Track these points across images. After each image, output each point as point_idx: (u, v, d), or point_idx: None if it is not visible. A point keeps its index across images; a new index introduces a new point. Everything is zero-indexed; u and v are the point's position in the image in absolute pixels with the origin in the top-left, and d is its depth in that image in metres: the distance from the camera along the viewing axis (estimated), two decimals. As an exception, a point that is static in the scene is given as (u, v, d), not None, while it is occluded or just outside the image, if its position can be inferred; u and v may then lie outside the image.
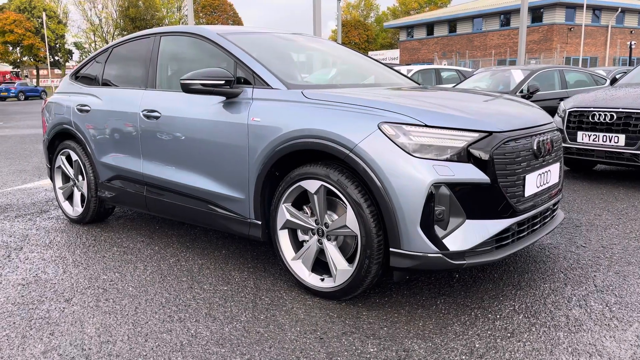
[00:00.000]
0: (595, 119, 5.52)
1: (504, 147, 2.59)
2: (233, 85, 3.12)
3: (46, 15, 55.16)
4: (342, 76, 3.75)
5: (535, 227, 2.95)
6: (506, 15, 42.75)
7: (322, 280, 2.84)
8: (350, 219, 2.64)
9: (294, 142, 2.80)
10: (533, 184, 2.78)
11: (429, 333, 2.46)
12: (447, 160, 2.49)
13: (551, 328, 2.48)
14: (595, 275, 3.11)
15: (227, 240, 3.91)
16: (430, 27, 49.75)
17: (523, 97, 7.84)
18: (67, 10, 62.77)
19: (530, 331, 2.46)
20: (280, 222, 2.95)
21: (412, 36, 51.78)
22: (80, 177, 4.41)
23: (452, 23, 47.58)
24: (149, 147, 3.70)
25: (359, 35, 69.31)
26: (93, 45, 61.55)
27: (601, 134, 5.48)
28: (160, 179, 3.64)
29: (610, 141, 5.41)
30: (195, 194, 3.40)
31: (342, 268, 2.73)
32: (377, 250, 2.59)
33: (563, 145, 5.24)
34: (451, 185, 2.47)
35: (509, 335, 2.43)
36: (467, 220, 2.53)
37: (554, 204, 3.14)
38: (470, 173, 2.50)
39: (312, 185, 2.77)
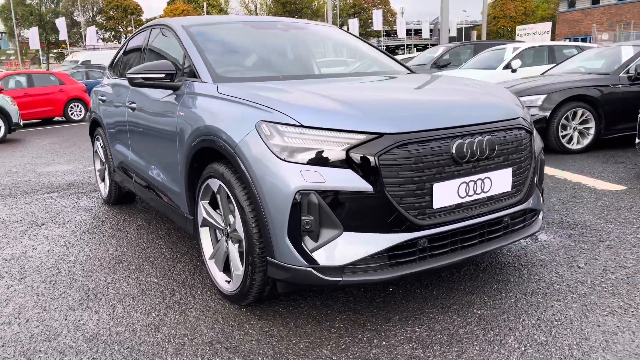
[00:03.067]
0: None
1: (398, 151, 2.23)
2: (175, 78, 3.11)
3: (209, 4, 60.07)
4: (296, 66, 3.51)
5: (471, 242, 2.51)
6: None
7: (228, 282, 2.74)
8: (238, 223, 2.50)
9: (200, 138, 2.72)
10: (450, 193, 2.35)
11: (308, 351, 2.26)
12: (321, 164, 2.22)
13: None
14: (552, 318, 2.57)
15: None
16: (597, -6, 44.14)
17: (630, 78, 6.64)
18: (227, -1, 67.74)
19: None
20: (199, 220, 2.90)
21: (574, 6, 46.51)
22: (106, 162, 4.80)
23: (624, -12, 41.63)
24: (132, 137, 3.89)
25: (515, 8, 64.34)
26: (249, 30, 65.60)
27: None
28: (139, 168, 3.81)
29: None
30: (157, 185, 3.49)
31: (237, 272, 2.61)
32: (259, 258, 2.41)
33: None
34: (322, 194, 2.20)
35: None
36: (344, 233, 2.23)
37: (508, 216, 2.63)
38: (347, 180, 2.20)
39: (214, 184, 2.67)
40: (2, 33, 76.08)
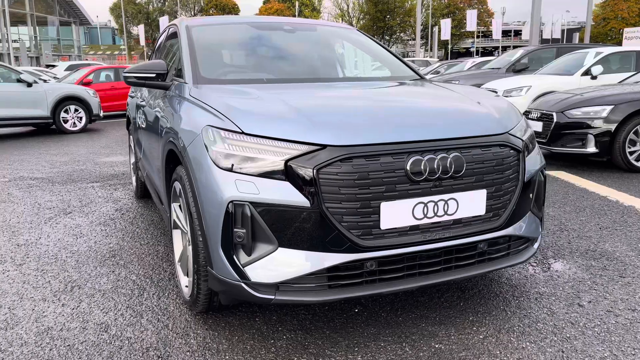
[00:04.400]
0: None
1: (341, 165, 2.05)
2: (166, 78, 3.13)
3: (302, 3, 61.08)
4: (286, 69, 3.36)
5: (433, 269, 2.28)
6: None
7: (187, 287, 2.70)
8: (188, 229, 2.45)
9: (168, 140, 2.70)
10: (402, 214, 2.13)
11: (226, 369, 2.16)
12: (257, 175, 2.10)
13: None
14: None
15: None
16: None
17: None
18: (321, -2, 68.51)
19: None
20: (172, 222, 2.89)
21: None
22: (135, 156, 4.98)
23: None
24: (140, 134, 3.99)
25: (628, 9, 59.51)
26: (340, 29, 65.94)
27: None
28: (144, 165, 3.89)
29: None
30: (154, 183, 3.53)
31: (190, 279, 2.56)
32: (203, 267, 2.34)
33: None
34: (256, 206, 2.08)
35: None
36: (279, 249, 2.10)
37: (484, 243, 2.35)
38: (283, 193, 2.06)
39: (177, 188, 2.64)
40: (115, 29, 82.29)
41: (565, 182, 5.45)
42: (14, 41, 43.83)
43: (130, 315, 2.62)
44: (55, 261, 3.40)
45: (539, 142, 6.49)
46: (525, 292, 2.81)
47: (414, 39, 40.01)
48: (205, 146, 2.22)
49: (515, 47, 61.57)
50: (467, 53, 62.86)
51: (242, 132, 2.16)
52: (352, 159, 2.07)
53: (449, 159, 2.18)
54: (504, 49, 60.55)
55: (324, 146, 2.08)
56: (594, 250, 3.41)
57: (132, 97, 4.77)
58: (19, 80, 10.37)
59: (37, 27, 46.52)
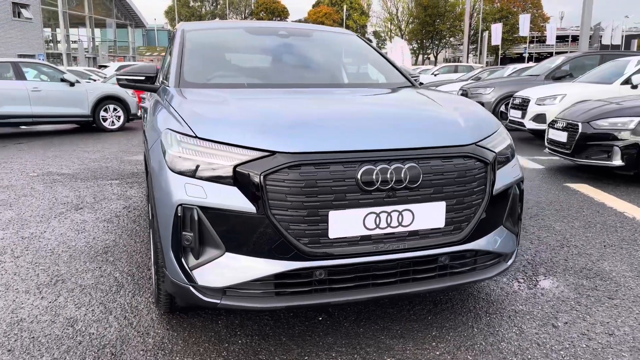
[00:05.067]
0: None
1: (288, 172, 2.04)
2: (155, 81, 3.20)
3: (351, 7, 61.13)
4: (269, 74, 3.35)
5: (387, 280, 2.23)
6: None
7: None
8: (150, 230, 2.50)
9: (143, 142, 2.77)
10: (352, 224, 2.10)
11: (174, 370, 2.18)
12: (206, 179, 2.11)
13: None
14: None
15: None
16: None
17: None
18: (370, 2, 68.33)
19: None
20: (150, 221, 2.95)
21: None
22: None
23: None
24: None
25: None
26: (389, 33, 65.63)
27: None
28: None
29: None
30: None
31: (153, 279, 2.60)
32: (161, 268, 2.37)
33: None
34: (204, 210, 2.09)
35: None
36: (226, 254, 2.10)
37: (446, 256, 2.28)
38: (230, 198, 2.07)
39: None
40: (170, 31, 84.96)
41: (584, 195, 5.22)
42: (73, 42, 45.88)
43: (100, 312, 2.69)
44: (51, 255, 3.54)
45: (562, 153, 6.25)
46: (501, 309, 2.71)
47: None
48: (163, 149, 2.25)
49: (571, 53, 59.36)
50: (520, 59, 61.11)
51: (196, 136, 2.18)
52: (301, 167, 2.05)
53: (404, 169, 2.12)
54: (560, 55, 58.55)
55: (272, 152, 2.07)
56: (589, 269, 3.24)
57: (143, 98, 4.91)
58: (63, 80, 10.85)
59: (95, 29, 48.55)
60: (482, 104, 11.69)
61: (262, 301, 2.13)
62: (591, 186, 5.64)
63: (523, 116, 9.23)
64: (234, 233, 2.08)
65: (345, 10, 59.25)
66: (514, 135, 10.10)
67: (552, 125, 6.66)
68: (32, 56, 32.75)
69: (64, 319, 2.61)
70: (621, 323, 2.55)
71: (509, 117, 9.80)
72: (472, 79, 16.58)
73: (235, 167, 2.08)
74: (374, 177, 2.09)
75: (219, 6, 71.06)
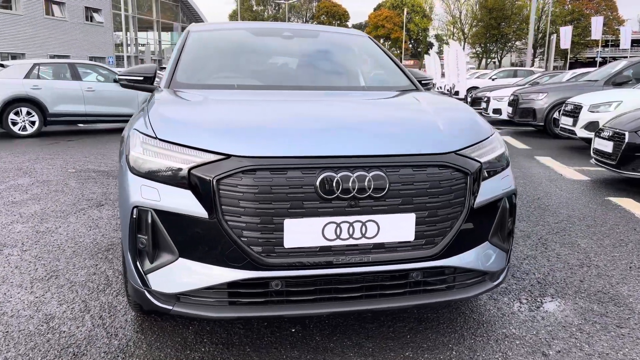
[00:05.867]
0: None
1: (242, 177, 1.95)
2: (153, 81, 3.21)
3: (412, 10, 60.37)
4: (263, 76, 3.24)
5: (351, 294, 2.10)
6: None
7: (133, 288, 2.72)
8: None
9: (127, 142, 2.76)
10: (310, 233, 1.97)
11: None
12: (162, 181, 2.05)
13: None
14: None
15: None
16: None
17: None
18: (432, 5, 67.20)
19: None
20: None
21: None
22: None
23: None
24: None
25: None
26: (451, 37, 64.26)
27: None
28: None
29: None
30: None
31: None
32: (127, 270, 2.35)
33: None
34: (158, 213, 2.04)
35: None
36: (180, 259, 2.04)
37: (419, 272, 2.11)
38: (183, 202, 2.00)
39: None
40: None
41: (624, 211, 4.81)
42: (142, 45, 47.92)
43: (79, 310, 2.71)
44: (56, 250, 3.62)
45: (607, 164, 5.80)
46: (490, 331, 2.49)
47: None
48: (127, 150, 2.22)
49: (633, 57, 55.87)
50: (592, 63, 58.18)
51: (156, 138, 2.13)
52: (256, 171, 1.96)
53: (368, 177, 1.98)
54: (622, 59, 55.29)
55: (227, 156, 1.99)
56: (605, 292, 2.95)
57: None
58: (115, 81, 11.28)
59: (161, 32, 50.55)
60: (534, 110, 11.15)
61: (215, 310, 2.05)
62: (637, 201, 5.20)
63: (574, 124, 8.68)
64: (188, 238, 2.02)
65: (406, 13, 58.52)
66: (566, 144, 9.55)
67: (598, 134, 6.21)
68: (102, 59, 34.51)
69: (42, 315, 2.64)
70: (622, 355, 2.28)
71: (560, 125, 9.26)
72: (529, 84, 15.85)
73: (190, 169, 2.01)
74: (334, 184, 1.96)
75: (280, 10, 72.09)
